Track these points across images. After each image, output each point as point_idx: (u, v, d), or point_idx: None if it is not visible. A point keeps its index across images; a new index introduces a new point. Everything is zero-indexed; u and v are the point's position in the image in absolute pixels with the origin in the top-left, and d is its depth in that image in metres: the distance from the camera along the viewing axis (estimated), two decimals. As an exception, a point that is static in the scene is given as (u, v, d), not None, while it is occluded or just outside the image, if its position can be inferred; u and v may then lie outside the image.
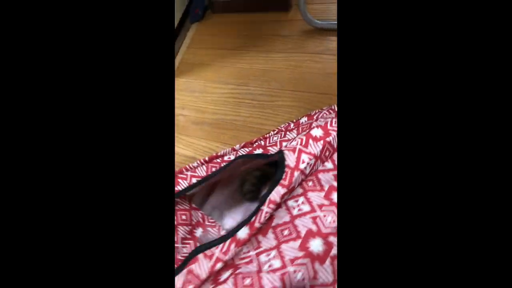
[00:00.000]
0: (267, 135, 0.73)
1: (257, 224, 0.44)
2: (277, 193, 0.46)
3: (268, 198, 0.45)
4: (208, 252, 0.44)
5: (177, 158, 0.85)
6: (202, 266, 0.43)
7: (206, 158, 0.72)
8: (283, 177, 0.47)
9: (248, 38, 1.04)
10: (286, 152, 0.49)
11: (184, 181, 0.66)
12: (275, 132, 0.73)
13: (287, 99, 0.85)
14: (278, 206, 0.46)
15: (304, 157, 0.49)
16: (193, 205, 0.68)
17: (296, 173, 0.47)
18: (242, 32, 1.07)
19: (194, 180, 0.65)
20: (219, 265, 0.43)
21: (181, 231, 0.60)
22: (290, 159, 0.48)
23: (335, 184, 0.47)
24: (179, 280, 0.43)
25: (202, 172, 0.68)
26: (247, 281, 0.39)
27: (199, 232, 0.64)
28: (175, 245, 0.56)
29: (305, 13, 0.91)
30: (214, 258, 0.43)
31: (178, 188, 0.65)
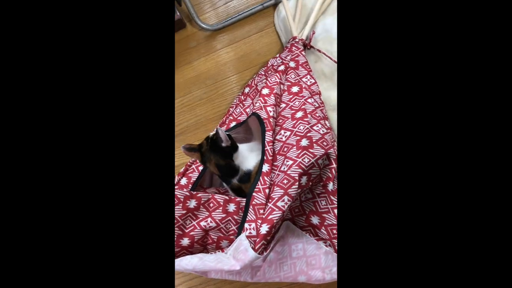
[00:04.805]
0: (230, 111, 1.01)
1: (270, 157, 0.73)
2: (268, 136, 0.75)
3: (266, 141, 0.75)
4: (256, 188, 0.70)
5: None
6: (259, 196, 0.70)
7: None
8: (266, 127, 0.77)
9: (165, 59, 1.25)
10: (257, 112, 0.79)
11: (194, 173, 0.89)
12: (234, 107, 1.02)
13: (225, 86, 1.14)
14: (273, 142, 0.76)
15: (269, 108, 0.79)
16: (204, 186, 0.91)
17: (271, 120, 0.78)
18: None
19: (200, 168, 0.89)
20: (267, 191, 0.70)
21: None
22: (263, 114, 0.78)
23: (290, 104, 0.79)
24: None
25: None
26: (282, 178, 0.67)
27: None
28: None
29: (200, 24, 1.18)
30: (262, 187, 0.70)
31: (193, 179, 0.88)
